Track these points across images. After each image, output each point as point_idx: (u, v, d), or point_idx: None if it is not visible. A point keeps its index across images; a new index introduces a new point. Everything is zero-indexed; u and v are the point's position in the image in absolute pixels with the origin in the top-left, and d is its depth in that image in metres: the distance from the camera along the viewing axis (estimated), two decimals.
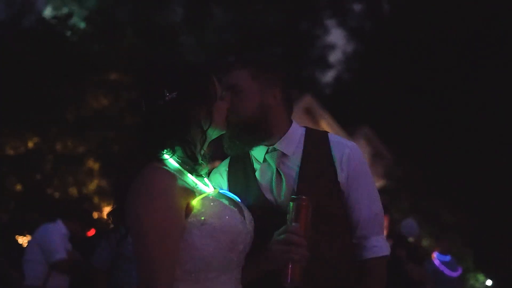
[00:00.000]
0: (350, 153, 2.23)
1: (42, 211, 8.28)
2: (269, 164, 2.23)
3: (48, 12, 14.69)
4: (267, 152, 2.23)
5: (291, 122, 2.29)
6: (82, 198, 6.81)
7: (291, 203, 2.00)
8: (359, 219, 2.23)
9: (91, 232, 5.94)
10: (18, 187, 9.92)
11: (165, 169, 1.84)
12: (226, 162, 2.36)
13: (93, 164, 10.31)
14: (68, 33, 11.22)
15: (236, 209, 1.95)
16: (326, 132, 2.31)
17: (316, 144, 2.25)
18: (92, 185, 10.22)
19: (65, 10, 13.39)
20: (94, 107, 10.57)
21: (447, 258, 8.78)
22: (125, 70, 10.60)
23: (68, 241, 5.40)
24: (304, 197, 1.99)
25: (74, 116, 10.38)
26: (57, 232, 5.26)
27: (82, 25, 12.16)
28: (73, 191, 10.20)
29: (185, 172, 1.91)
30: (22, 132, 9.88)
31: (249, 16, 28.49)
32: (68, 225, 5.36)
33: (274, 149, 2.22)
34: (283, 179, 2.19)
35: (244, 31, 29.14)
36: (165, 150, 1.90)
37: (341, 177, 2.20)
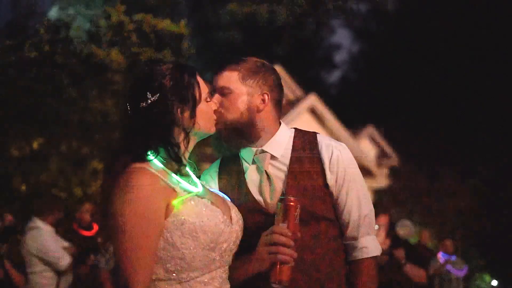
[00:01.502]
0: (339, 154, 2.23)
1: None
2: (257, 166, 2.25)
3: (53, 13, 14.73)
4: (255, 154, 2.25)
5: (279, 124, 2.30)
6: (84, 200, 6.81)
7: (278, 204, 2.02)
8: (349, 220, 2.24)
9: (93, 231, 5.96)
10: (23, 187, 9.98)
11: (147, 169, 1.86)
12: (217, 163, 2.37)
13: (97, 165, 10.35)
14: (73, 35, 11.26)
15: (218, 209, 1.96)
16: (315, 134, 2.33)
17: (304, 146, 2.26)
18: (97, 186, 10.26)
19: (70, 12, 13.43)
20: (98, 108, 10.60)
21: (453, 257, 8.84)
22: (129, 71, 10.63)
23: (56, 234, 5.39)
24: (291, 197, 2.00)
25: (78, 117, 10.43)
26: (46, 237, 5.20)
27: (86, 26, 12.20)
28: (78, 191, 10.26)
29: (170, 172, 1.93)
30: (27, 133, 9.93)
31: (256, 16, 28.52)
32: (47, 220, 5.32)
33: (263, 151, 2.24)
34: (272, 181, 2.21)
35: (250, 31, 29.18)
36: (150, 151, 1.92)
37: (330, 179, 2.21)
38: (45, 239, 5.19)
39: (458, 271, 8.89)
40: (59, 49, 10.16)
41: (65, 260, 5.17)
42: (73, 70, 10.12)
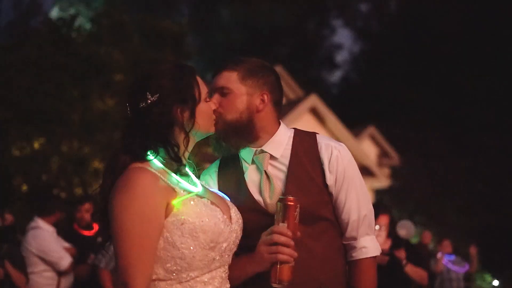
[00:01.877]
0: (338, 155, 2.23)
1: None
2: (257, 166, 2.25)
3: (54, 13, 14.76)
4: (255, 154, 2.25)
5: (279, 124, 2.31)
6: (86, 198, 6.78)
7: (278, 203, 2.02)
8: (348, 220, 2.24)
9: (94, 231, 5.95)
10: (24, 187, 10.00)
11: (147, 169, 1.87)
12: (216, 163, 2.38)
13: (98, 165, 10.36)
14: (74, 34, 11.27)
15: (218, 208, 1.97)
16: (314, 134, 2.33)
17: (304, 146, 2.26)
18: (98, 186, 10.24)
19: (71, 11, 13.45)
20: (99, 108, 10.62)
21: (452, 256, 8.95)
22: (130, 71, 10.64)
23: (58, 235, 5.40)
24: (291, 197, 2.01)
25: (79, 117, 10.44)
26: (48, 237, 5.20)
27: (87, 26, 12.22)
28: (79, 191, 10.27)
29: (169, 172, 1.93)
30: (28, 133, 9.94)
31: (257, 16, 28.57)
32: (49, 220, 5.32)
33: (262, 151, 2.24)
34: (271, 181, 2.21)
35: (251, 31, 29.23)
36: (149, 151, 1.93)
37: (329, 179, 2.22)
38: (46, 239, 5.19)
39: (459, 268, 8.96)
40: (60, 49, 10.16)
41: (66, 261, 5.18)
42: (74, 70, 10.13)
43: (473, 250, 10.07)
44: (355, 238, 2.25)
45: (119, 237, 1.79)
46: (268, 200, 2.19)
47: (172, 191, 1.87)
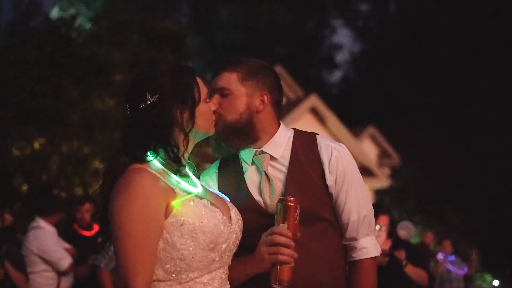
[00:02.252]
0: (338, 155, 2.23)
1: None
2: (257, 166, 2.25)
3: (55, 13, 14.76)
4: (255, 155, 2.25)
5: (279, 125, 2.30)
6: (86, 198, 6.78)
7: (278, 204, 2.02)
8: (348, 221, 2.24)
9: (94, 232, 5.96)
10: (24, 187, 9.99)
11: (147, 170, 1.86)
12: (216, 164, 2.38)
13: (98, 165, 10.36)
14: (74, 34, 11.28)
15: (218, 209, 1.96)
16: (314, 134, 2.33)
17: (304, 147, 2.26)
18: (98, 186, 10.24)
19: (71, 11, 13.46)
20: (99, 108, 10.62)
21: (452, 257, 8.97)
22: (130, 71, 10.64)
23: (58, 236, 5.40)
24: (291, 198, 2.01)
25: (79, 117, 10.44)
26: (49, 237, 5.20)
27: (88, 26, 12.23)
28: (79, 191, 10.26)
29: (169, 172, 1.93)
30: (28, 133, 9.93)
31: (257, 16, 28.58)
32: (50, 221, 5.32)
33: (262, 152, 2.24)
34: (271, 181, 2.21)
35: (251, 31, 29.25)
36: (149, 152, 1.93)
37: (329, 180, 2.21)
38: (47, 239, 5.19)
39: (459, 269, 8.97)
40: (60, 49, 10.16)
41: (66, 261, 5.18)
42: (73, 70, 10.13)
43: (473, 255, 10.07)
44: (355, 239, 2.25)
45: (119, 237, 1.78)
46: (268, 201, 2.19)
47: (171, 192, 1.87)
